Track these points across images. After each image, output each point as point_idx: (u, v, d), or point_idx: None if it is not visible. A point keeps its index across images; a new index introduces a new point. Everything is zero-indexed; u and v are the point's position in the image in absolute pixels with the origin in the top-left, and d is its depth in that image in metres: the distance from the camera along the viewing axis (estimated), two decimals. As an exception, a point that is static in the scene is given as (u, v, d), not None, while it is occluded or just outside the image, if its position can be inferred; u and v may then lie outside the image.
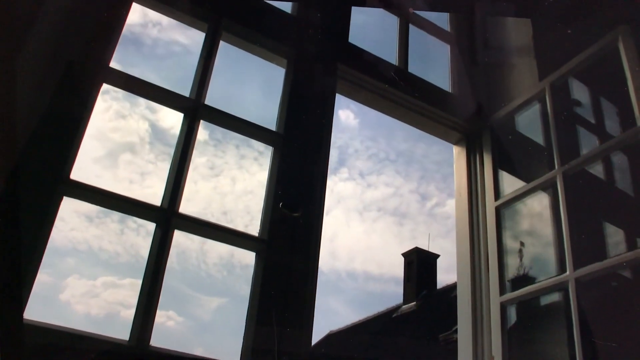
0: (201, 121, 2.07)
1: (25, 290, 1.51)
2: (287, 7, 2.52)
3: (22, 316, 1.46)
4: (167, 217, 1.85)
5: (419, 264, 22.74)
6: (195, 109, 2.06)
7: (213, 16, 2.24)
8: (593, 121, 2.80)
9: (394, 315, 22.26)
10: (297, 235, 2.05)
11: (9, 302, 1.42)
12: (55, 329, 1.58)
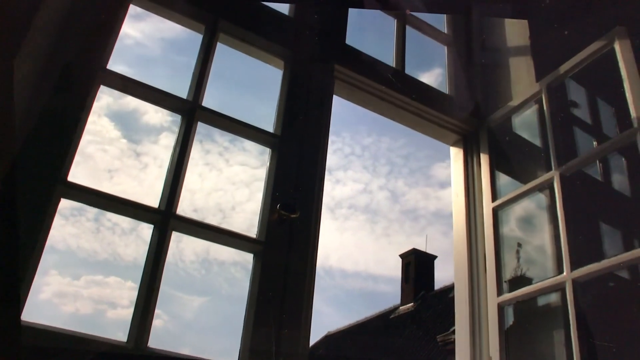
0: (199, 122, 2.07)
1: (23, 292, 1.51)
2: (284, 8, 2.53)
3: (19, 318, 1.45)
4: (164, 219, 1.86)
5: (417, 265, 22.77)
6: (192, 111, 2.06)
7: (210, 18, 2.24)
8: (590, 122, 2.81)
9: (391, 317, 22.29)
10: (294, 237, 2.05)
11: (6, 303, 1.42)
12: (53, 331, 1.58)
